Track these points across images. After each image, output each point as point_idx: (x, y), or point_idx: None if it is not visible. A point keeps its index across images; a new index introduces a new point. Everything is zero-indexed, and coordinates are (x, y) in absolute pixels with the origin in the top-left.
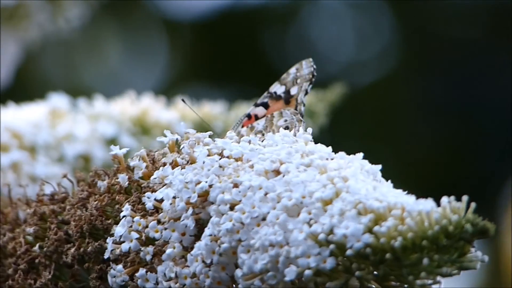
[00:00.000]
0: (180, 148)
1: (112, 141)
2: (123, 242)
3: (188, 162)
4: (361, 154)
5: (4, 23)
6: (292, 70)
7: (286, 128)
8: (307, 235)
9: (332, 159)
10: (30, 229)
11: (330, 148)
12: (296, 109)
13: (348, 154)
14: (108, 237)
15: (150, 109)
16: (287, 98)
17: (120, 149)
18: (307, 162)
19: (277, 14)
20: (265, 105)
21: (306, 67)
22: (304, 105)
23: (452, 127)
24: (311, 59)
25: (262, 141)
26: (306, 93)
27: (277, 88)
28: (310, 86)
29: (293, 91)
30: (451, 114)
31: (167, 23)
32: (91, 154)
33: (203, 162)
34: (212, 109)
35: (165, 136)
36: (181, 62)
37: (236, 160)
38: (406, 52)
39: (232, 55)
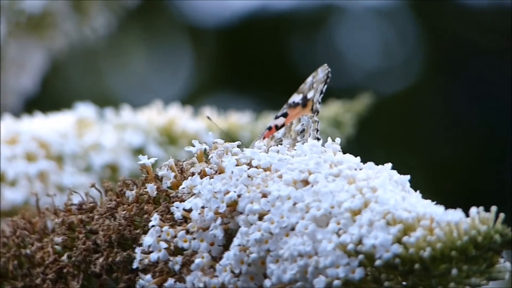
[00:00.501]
0: (209, 158)
1: (139, 150)
2: (152, 252)
3: (216, 172)
4: (389, 165)
5: (30, 32)
6: (309, 78)
7: (302, 131)
8: (336, 245)
9: (360, 169)
10: (58, 239)
11: (358, 158)
12: (312, 108)
13: (375, 163)
14: (137, 247)
15: (177, 118)
16: (304, 102)
17: (148, 159)
18: (335, 172)
19: (303, 21)
20: (285, 115)
21: (321, 71)
22: (320, 103)
23: (478, 134)
24: (326, 65)
25: (291, 151)
26: (321, 93)
27: (295, 98)
28: (325, 86)
29: (310, 94)
30: (477, 121)
31: (192, 30)
32: (118, 163)
33: (232, 172)
34: (239, 119)
35: (193, 146)
36: (206, 70)
37: (265, 170)
38: (431, 60)
39: (258, 62)
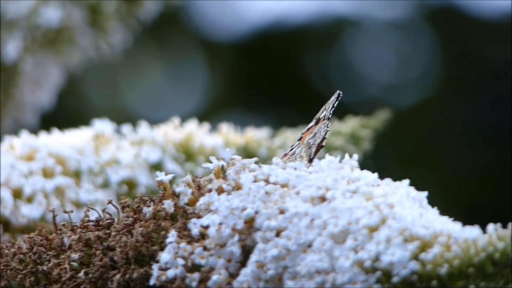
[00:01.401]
0: (226, 174)
1: (156, 166)
2: (169, 268)
3: (234, 188)
4: (407, 181)
5: (47, 48)
6: (322, 108)
7: (313, 136)
8: (354, 262)
9: (378, 185)
10: (75, 255)
11: (376, 174)
12: (324, 118)
13: (392, 179)
14: (154, 264)
15: (194, 134)
16: (317, 122)
17: (165, 175)
18: (353, 188)
19: (319, 35)
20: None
21: (333, 97)
22: (331, 114)
23: (495, 149)
24: (338, 91)
25: (308, 167)
26: (333, 107)
27: (310, 124)
28: (337, 102)
29: (321, 114)
30: (494, 136)
31: (208, 45)
32: (135, 179)
33: (249, 189)
34: (256, 135)
35: (211, 162)
36: (222, 85)
37: (282, 186)
38: (447, 73)
39: (273, 77)
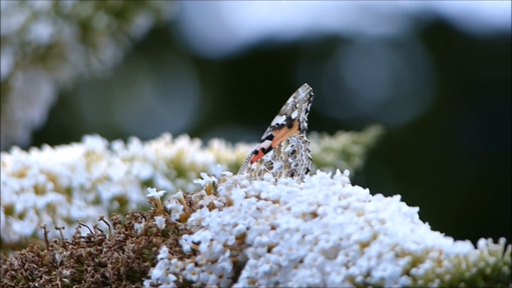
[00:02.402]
0: (217, 190)
1: (147, 183)
2: (160, 284)
3: (225, 204)
4: (398, 197)
5: (37, 64)
6: (290, 99)
7: (293, 152)
8: (345, 277)
9: (369, 201)
10: (67, 272)
11: (367, 190)
12: (299, 128)
13: (384, 194)
14: (145, 280)
15: (185, 151)
16: (289, 123)
17: (157, 191)
18: (344, 204)
19: (311, 52)
20: (270, 138)
21: (302, 91)
22: (306, 122)
23: (489, 166)
24: (306, 84)
25: (299, 183)
26: (307, 111)
27: (278, 120)
28: (310, 104)
29: (294, 114)
30: (488, 153)
31: (199, 61)
32: (127, 196)
33: (241, 205)
34: (247, 151)
35: (202, 178)
36: (213, 101)
37: (274, 202)
38: (441, 91)
39: (264, 93)
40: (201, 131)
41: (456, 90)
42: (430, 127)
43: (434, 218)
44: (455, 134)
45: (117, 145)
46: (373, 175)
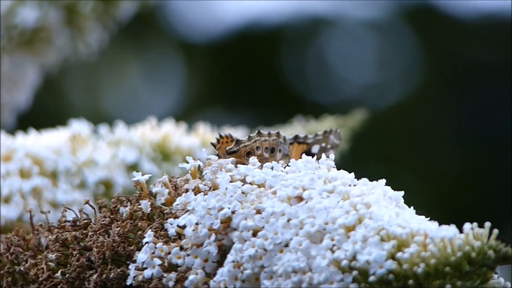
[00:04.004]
0: (203, 174)
1: (133, 167)
2: (146, 268)
3: (210, 188)
4: (383, 181)
5: (23, 47)
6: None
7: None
8: (330, 261)
9: (354, 185)
10: (52, 256)
11: (352, 174)
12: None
13: (369, 178)
14: (131, 264)
15: (171, 135)
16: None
17: (142, 175)
18: (330, 188)
19: (295, 35)
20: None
21: (335, 138)
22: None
23: (475, 149)
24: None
25: (285, 167)
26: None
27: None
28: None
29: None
30: (473, 136)
31: (184, 46)
32: (112, 180)
33: (226, 189)
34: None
35: (187, 162)
36: (199, 85)
37: (259, 186)
38: (427, 73)
39: (250, 77)
40: (187, 114)
41: (442, 73)
42: (416, 110)
43: (419, 202)
44: (441, 117)
45: (103, 129)
46: (359, 159)
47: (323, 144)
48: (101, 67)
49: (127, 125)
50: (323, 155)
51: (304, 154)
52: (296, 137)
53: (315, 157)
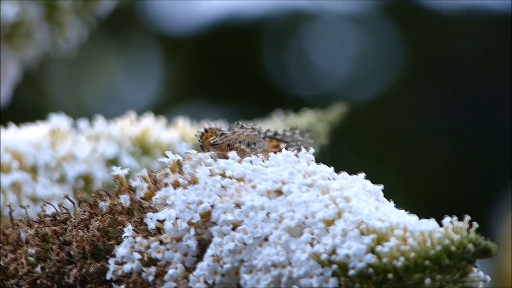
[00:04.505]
0: (182, 168)
1: (112, 161)
2: (125, 262)
3: (190, 182)
4: (363, 174)
5: (3, 42)
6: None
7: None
8: (310, 255)
9: (334, 179)
10: (32, 250)
11: (332, 168)
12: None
13: (349, 172)
14: (110, 258)
15: (150, 129)
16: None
17: (122, 169)
18: (309, 182)
19: (275, 28)
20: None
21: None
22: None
23: (455, 143)
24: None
25: (264, 161)
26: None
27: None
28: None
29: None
30: (453, 130)
31: (163, 39)
32: (92, 174)
33: (205, 183)
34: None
35: (167, 156)
36: (178, 79)
37: (238, 180)
38: (407, 68)
39: (230, 71)
40: (166, 108)
41: (422, 67)
42: (396, 104)
43: (399, 196)
44: (421, 111)
45: (82, 123)
46: (339, 153)
47: (298, 143)
48: (81, 62)
49: (108, 119)
50: (302, 148)
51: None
52: (267, 132)
53: (294, 151)
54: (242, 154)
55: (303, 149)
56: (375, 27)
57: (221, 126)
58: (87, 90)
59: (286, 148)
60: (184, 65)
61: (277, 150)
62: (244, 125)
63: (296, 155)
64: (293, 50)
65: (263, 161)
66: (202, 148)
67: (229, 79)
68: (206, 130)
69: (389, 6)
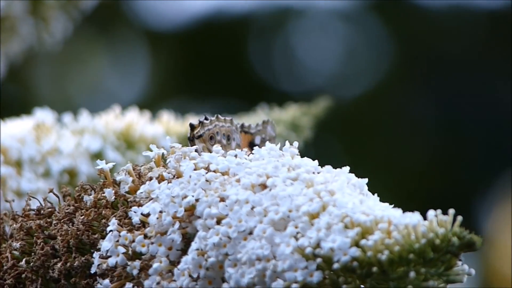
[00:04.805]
0: (166, 162)
1: (97, 155)
2: (110, 256)
3: (174, 176)
4: (347, 168)
5: None
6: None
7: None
8: (294, 248)
9: (318, 172)
10: (16, 244)
11: (316, 161)
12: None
13: (335, 167)
14: (95, 252)
15: (135, 123)
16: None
17: (106, 163)
18: (293, 176)
19: (262, 24)
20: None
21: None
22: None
23: (441, 141)
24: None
25: (249, 155)
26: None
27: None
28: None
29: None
30: (439, 127)
31: (150, 34)
32: (77, 168)
33: (190, 176)
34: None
35: (151, 150)
36: (164, 74)
37: (223, 174)
38: (394, 64)
39: (217, 66)
40: (153, 103)
41: (409, 64)
42: (383, 100)
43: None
44: (408, 107)
45: (67, 117)
46: (324, 147)
47: (263, 135)
48: (66, 56)
49: (93, 114)
50: (287, 142)
51: (249, 146)
52: (242, 126)
53: (279, 144)
54: (222, 147)
55: (287, 143)
56: (362, 24)
57: (205, 115)
58: (73, 85)
59: (252, 143)
60: (170, 61)
61: (250, 144)
62: (223, 118)
63: (260, 147)
64: (280, 46)
65: (247, 154)
66: (190, 141)
67: (216, 75)
68: (200, 122)
69: (376, 3)
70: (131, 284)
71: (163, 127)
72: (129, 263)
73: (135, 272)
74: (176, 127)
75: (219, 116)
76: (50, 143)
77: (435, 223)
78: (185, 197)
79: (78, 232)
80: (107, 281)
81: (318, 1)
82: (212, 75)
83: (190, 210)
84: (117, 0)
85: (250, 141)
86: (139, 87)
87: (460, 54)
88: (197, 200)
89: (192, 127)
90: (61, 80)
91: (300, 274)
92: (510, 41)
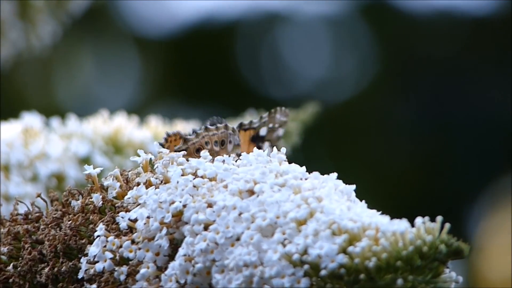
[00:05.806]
0: (154, 167)
1: (85, 160)
2: (97, 262)
3: (162, 182)
4: (335, 174)
5: None
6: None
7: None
8: (282, 255)
9: (306, 179)
10: (4, 249)
11: (304, 168)
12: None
13: (322, 173)
14: (82, 257)
15: (123, 128)
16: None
17: (94, 168)
18: (281, 182)
19: (250, 30)
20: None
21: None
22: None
23: (427, 144)
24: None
25: (236, 161)
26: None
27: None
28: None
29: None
30: (426, 131)
31: (139, 40)
32: (64, 173)
33: (177, 182)
34: (185, 128)
35: (139, 155)
36: (153, 79)
37: (210, 180)
38: (381, 69)
39: (204, 72)
40: (141, 109)
41: (395, 69)
42: (370, 105)
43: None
44: (394, 112)
45: (55, 122)
46: (312, 154)
47: (270, 125)
48: (55, 61)
49: (82, 118)
50: (274, 148)
51: (252, 140)
52: (240, 125)
53: (266, 144)
54: (215, 154)
55: (275, 133)
56: (348, 29)
57: (184, 131)
58: (61, 89)
59: (258, 136)
60: (159, 66)
61: (254, 138)
62: (212, 126)
63: (269, 139)
64: (267, 51)
65: (235, 160)
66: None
67: (204, 81)
68: (169, 135)
69: (363, 8)
70: None
71: (151, 132)
72: (116, 268)
73: (122, 277)
74: (164, 132)
75: (208, 126)
76: (38, 147)
77: (423, 230)
78: (173, 202)
79: (66, 237)
80: (94, 286)
81: (305, 6)
82: (200, 81)
83: (178, 215)
84: (107, 0)
85: (253, 135)
86: (128, 92)
87: (446, 58)
88: (184, 205)
89: (165, 140)
90: (49, 84)
91: (287, 280)
92: (494, 45)
